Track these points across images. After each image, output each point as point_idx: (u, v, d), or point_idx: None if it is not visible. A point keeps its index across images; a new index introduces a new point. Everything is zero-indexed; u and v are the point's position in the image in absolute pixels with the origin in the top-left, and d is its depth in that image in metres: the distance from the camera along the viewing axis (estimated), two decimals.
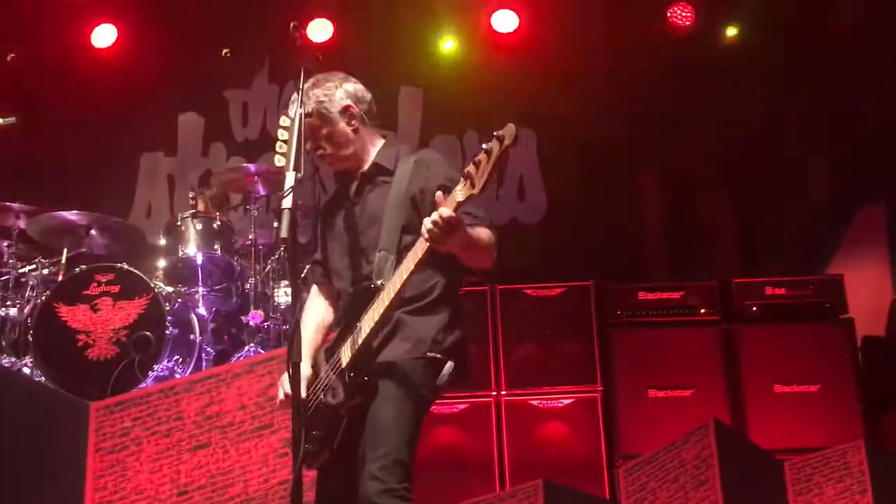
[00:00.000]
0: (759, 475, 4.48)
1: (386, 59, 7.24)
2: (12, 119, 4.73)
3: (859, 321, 5.75)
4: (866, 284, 6.34)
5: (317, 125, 3.09)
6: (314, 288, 3.29)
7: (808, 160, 6.86)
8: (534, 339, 5.70)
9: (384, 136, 3.26)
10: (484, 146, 2.58)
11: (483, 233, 2.89)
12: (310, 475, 2.97)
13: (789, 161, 6.88)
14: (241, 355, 5.42)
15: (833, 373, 5.52)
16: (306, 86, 3.06)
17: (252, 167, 5.99)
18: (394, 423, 2.83)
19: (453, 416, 5.38)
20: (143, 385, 5.12)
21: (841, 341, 5.61)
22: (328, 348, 3.06)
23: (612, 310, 5.77)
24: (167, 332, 5.31)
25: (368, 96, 3.20)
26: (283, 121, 3.00)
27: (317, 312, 3.22)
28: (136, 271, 5.46)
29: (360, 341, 2.87)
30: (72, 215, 5.70)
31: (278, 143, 2.98)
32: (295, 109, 2.92)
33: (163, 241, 6.01)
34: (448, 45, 7.55)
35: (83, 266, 5.51)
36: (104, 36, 7.52)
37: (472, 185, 2.60)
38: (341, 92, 3.13)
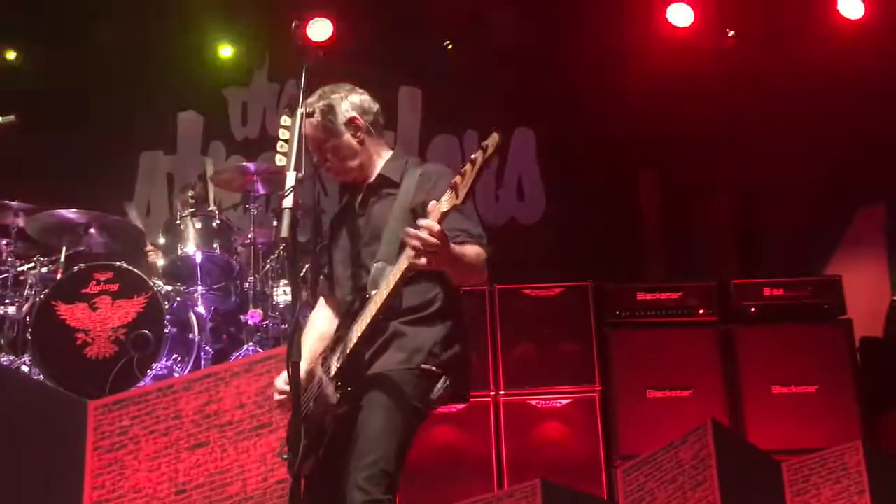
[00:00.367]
0: (757, 476, 4.48)
1: (386, 59, 7.24)
2: (12, 118, 4.72)
3: (857, 322, 5.74)
4: (865, 285, 6.35)
5: (322, 138, 3.07)
6: (321, 299, 3.27)
7: (808, 160, 6.86)
8: (532, 339, 5.70)
9: (392, 148, 3.23)
10: (472, 156, 2.55)
11: (470, 250, 2.83)
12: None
13: (788, 161, 6.88)
14: (240, 354, 5.41)
15: (831, 374, 5.52)
16: (312, 98, 3.06)
17: (251, 166, 5.97)
18: (382, 432, 2.78)
19: (451, 415, 5.36)
20: (142, 384, 5.12)
21: (839, 342, 5.61)
22: (323, 357, 3.03)
23: (610, 310, 5.77)
24: (166, 330, 5.30)
25: (375, 107, 3.17)
26: (284, 120, 3.00)
27: (321, 322, 3.20)
28: (135, 270, 5.45)
29: (347, 350, 2.85)
30: (71, 213, 5.68)
31: (279, 143, 2.98)
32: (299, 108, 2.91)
33: (162, 240, 6.02)
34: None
35: (82, 264, 5.50)
36: None
37: (457, 196, 2.56)
38: (346, 104, 3.10)
